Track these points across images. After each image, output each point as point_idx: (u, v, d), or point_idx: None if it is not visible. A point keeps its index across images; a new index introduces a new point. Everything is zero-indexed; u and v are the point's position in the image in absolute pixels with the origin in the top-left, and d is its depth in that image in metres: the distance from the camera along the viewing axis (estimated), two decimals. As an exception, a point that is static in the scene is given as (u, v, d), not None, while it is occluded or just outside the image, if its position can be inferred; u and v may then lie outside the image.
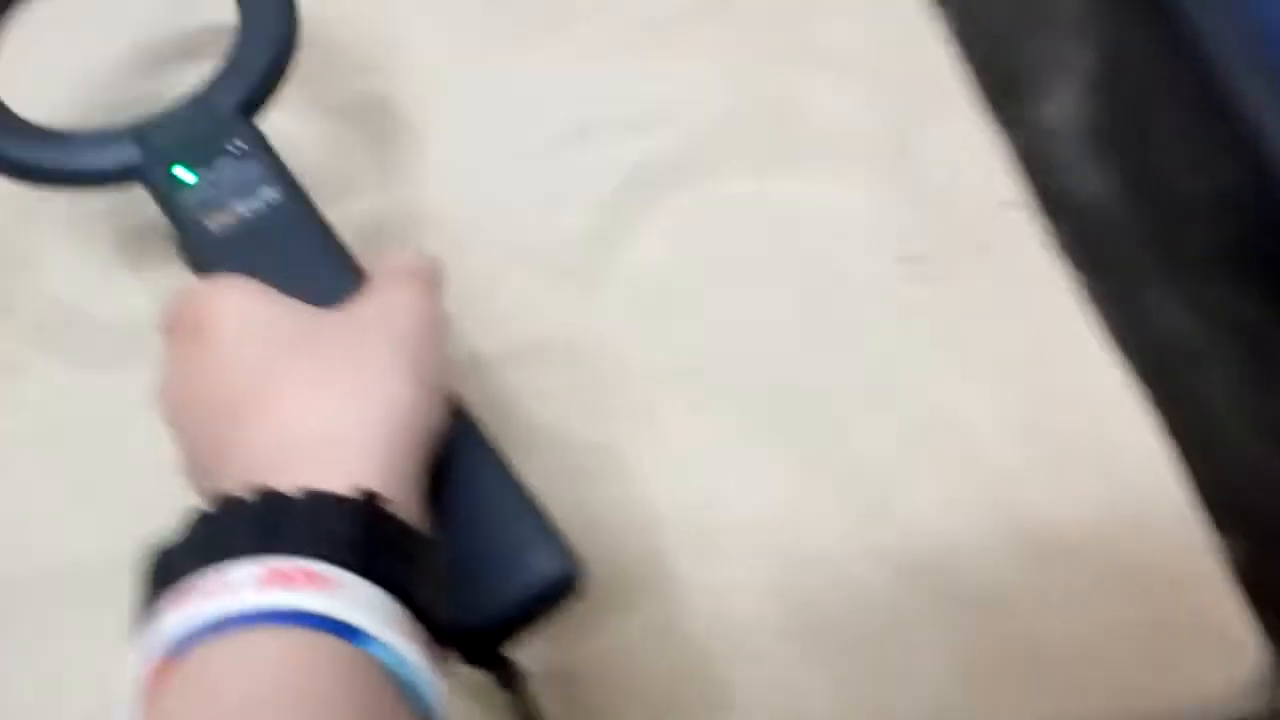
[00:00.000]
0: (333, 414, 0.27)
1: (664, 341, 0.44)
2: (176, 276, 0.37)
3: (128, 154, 0.37)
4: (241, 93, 0.38)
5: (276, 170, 0.36)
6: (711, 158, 0.48)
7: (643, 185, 0.48)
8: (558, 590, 0.30)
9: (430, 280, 0.32)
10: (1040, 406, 0.41)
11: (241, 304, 0.31)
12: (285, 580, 0.23)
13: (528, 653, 0.31)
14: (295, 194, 0.36)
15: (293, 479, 0.25)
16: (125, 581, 0.26)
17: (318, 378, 0.28)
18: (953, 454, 0.40)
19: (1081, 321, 0.43)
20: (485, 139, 0.49)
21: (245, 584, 0.23)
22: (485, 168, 0.49)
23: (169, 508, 0.26)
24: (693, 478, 0.40)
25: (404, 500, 0.26)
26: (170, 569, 0.24)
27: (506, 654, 0.30)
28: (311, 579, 0.23)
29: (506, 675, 0.30)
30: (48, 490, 0.41)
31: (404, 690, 0.23)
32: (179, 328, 0.32)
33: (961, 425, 0.41)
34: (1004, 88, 0.48)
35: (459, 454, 0.31)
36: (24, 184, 0.38)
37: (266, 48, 0.40)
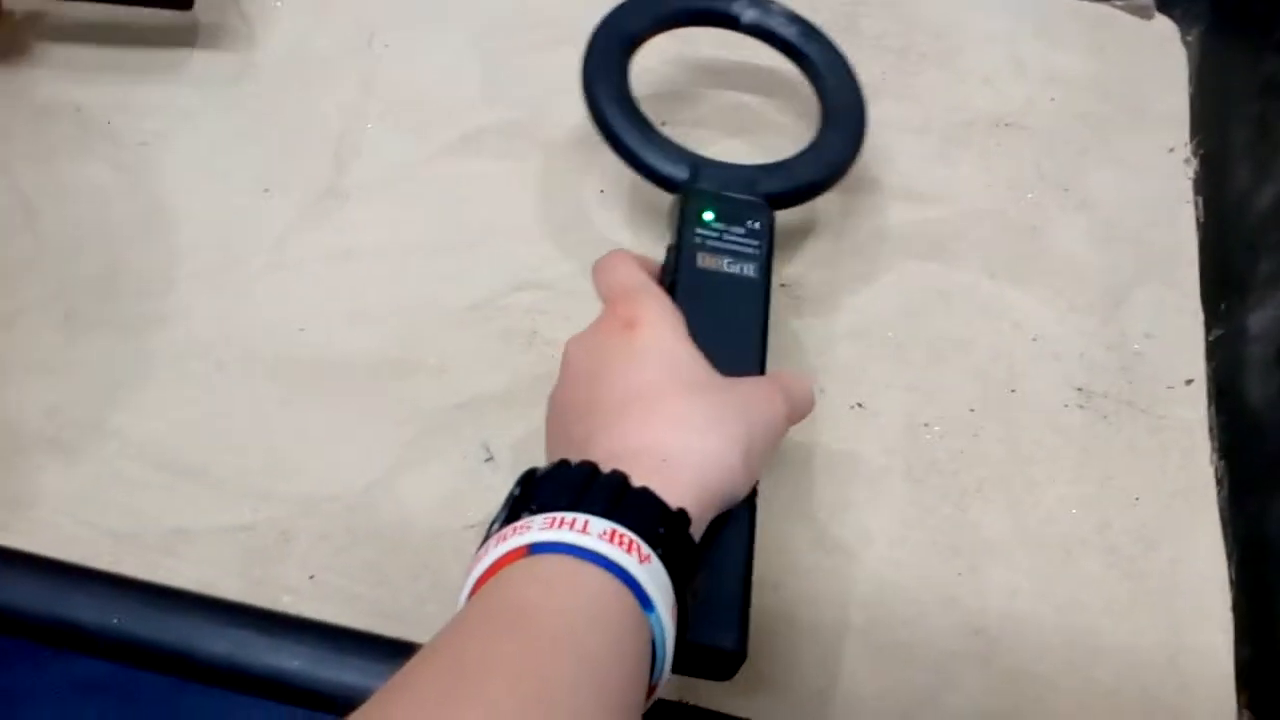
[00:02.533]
0: (684, 445, 0.34)
1: (844, 382, 0.51)
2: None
3: (680, 172, 0.47)
4: (779, 189, 0.48)
5: (765, 261, 0.45)
6: (953, 246, 0.56)
7: (884, 244, 0.56)
8: (722, 661, 0.37)
9: (801, 409, 0.40)
10: (1142, 549, 0.47)
11: (670, 329, 0.38)
12: (622, 543, 0.30)
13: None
14: (764, 285, 0.44)
15: (638, 475, 0.32)
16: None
17: (687, 414, 0.35)
18: (1053, 551, 0.47)
19: (1207, 500, 0.49)
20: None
21: (596, 533, 0.30)
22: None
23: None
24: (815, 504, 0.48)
25: (697, 533, 0.34)
26: (541, 497, 0.32)
27: None
28: (637, 551, 0.30)
29: None
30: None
31: (655, 659, 0.31)
32: (616, 313, 0.38)
33: (1065, 530, 0.48)
34: (1225, 280, 0.54)
35: (730, 520, 0.37)
36: (613, 151, 0.49)
37: (819, 171, 0.50)
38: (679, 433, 0.34)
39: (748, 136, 0.59)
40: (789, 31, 0.53)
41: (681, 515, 0.32)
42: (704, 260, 0.44)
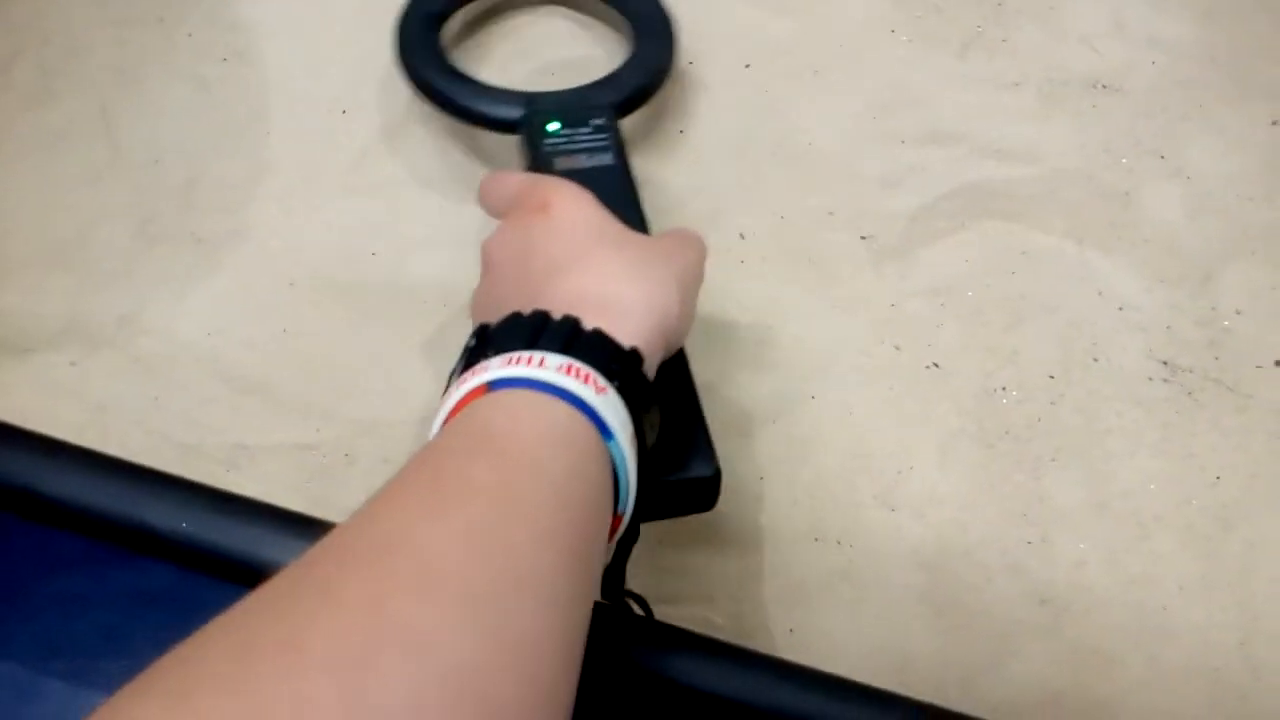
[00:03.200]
0: (625, 291, 0.35)
1: (919, 340, 0.50)
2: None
3: (515, 112, 0.49)
4: (616, 97, 0.51)
5: (617, 148, 0.47)
6: (1040, 208, 0.54)
7: (968, 201, 0.55)
8: (703, 489, 0.38)
9: (703, 249, 0.41)
10: (1219, 529, 0.46)
11: (581, 199, 0.39)
12: (578, 375, 0.31)
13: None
14: (624, 167, 0.47)
15: (587, 320, 0.33)
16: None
17: (621, 265, 0.36)
18: (1126, 525, 0.46)
19: (1291, 483, 0.47)
20: (854, 114, 0.57)
21: (553, 367, 0.31)
22: (845, 134, 0.56)
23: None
24: (884, 456, 0.47)
25: (651, 370, 0.35)
26: (497, 343, 0.33)
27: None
28: (593, 382, 0.31)
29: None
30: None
31: (620, 485, 0.32)
32: (527, 204, 0.39)
33: (1140, 505, 0.46)
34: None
35: (671, 368, 0.39)
36: (441, 112, 0.52)
37: (646, 73, 0.52)
38: (618, 283, 0.35)
39: (573, 64, 0.58)
40: None
41: (634, 354, 0.33)
42: (561, 163, 0.46)
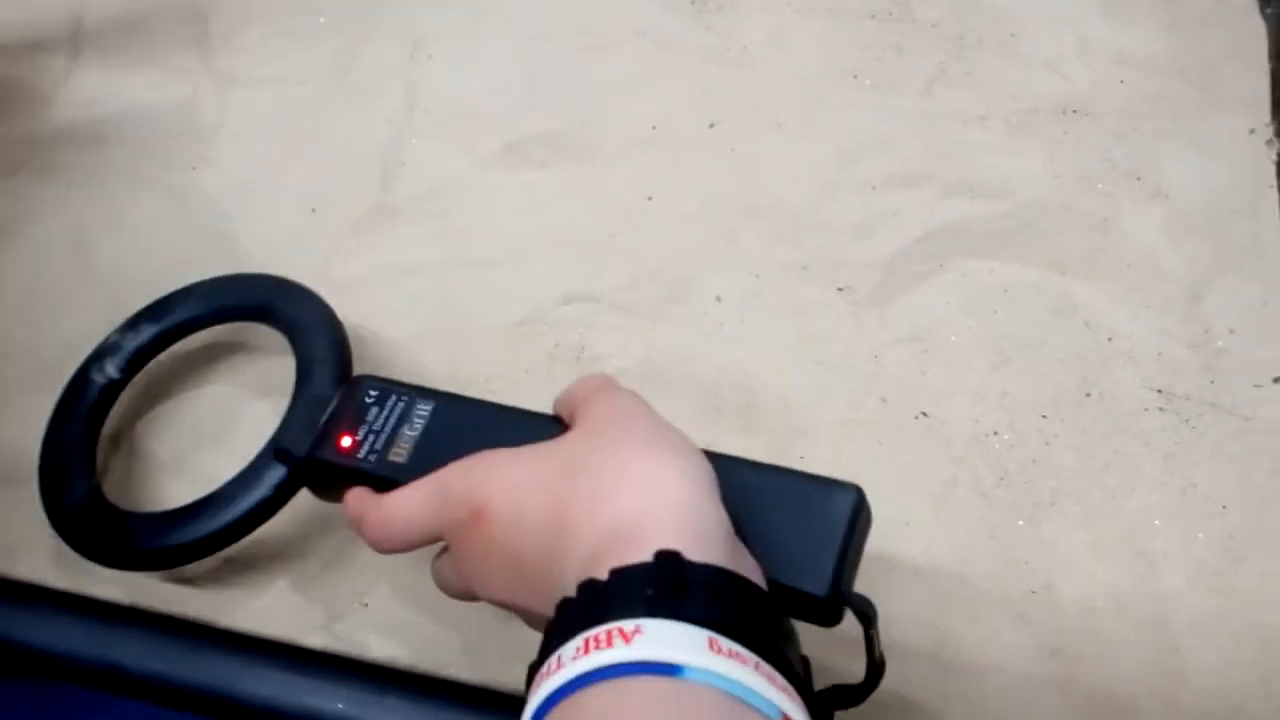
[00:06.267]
0: (625, 511, 0.30)
1: (905, 389, 0.49)
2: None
3: (279, 470, 0.41)
4: (333, 370, 0.44)
5: (413, 391, 0.40)
6: (1018, 242, 0.53)
7: (944, 242, 0.54)
8: (858, 514, 0.34)
9: (612, 382, 0.36)
10: (1230, 562, 0.44)
11: (492, 472, 0.33)
12: (598, 644, 0.26)
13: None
14: (445, 394, 0.39)
15: (604, 570, 0.28)
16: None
17: (599, 489, 0.30)
18: (1133, 565, 0.44)
19: (1301, 505, 0.46)
20: (821, 165, 0.57)
21: (568, 658, 0.26)
22: (813, 186, 0.56)
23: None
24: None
25: (714, 546, 0.29)
26: (530, 674, 0.29)
27: (854, 596, 0.34)
28: (622, 635, 0.26)
29: (865, 612, 0.34)
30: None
31: (745, 701, 0.25)
32: (453, 526, 0.33)
33: (1146, 543, 0.45)
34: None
35: (726, 480, 0.32)
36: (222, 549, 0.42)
37: (332, 339, 0.46)
38: (609, 506, 0.30)
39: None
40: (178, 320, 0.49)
41: (663, 558, 0.28)
42: (396, 454, 0.38)
